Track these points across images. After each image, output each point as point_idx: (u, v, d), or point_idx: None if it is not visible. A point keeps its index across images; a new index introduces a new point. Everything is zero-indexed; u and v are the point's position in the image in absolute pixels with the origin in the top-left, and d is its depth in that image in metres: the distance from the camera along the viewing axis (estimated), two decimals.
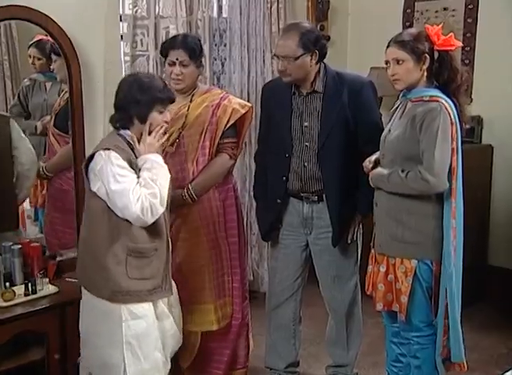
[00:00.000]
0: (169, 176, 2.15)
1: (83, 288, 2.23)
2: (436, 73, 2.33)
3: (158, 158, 2.13)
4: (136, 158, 2.13)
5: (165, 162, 2.44)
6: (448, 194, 2.29)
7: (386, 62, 2.35)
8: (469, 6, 3.82)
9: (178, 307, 2.35)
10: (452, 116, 2.27)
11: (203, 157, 2.53)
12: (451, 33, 2.34)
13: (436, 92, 2.31)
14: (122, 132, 2.17)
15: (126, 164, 2.07)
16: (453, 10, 3.89)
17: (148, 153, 2.12)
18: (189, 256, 2.56)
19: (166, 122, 2.17)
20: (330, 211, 2.54)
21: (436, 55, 2.30)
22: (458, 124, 2.29)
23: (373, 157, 2.45)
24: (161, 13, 3.07)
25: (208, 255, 2.58)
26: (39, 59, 2.82)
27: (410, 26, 4.04)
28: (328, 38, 4.10)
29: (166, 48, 2.50)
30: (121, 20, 2.98)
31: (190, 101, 2.54)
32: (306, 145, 2.52)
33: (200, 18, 3.20)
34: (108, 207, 2.07)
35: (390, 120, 2.48)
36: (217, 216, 2.59)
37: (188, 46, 2.46)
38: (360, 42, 4.30)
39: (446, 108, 2.26)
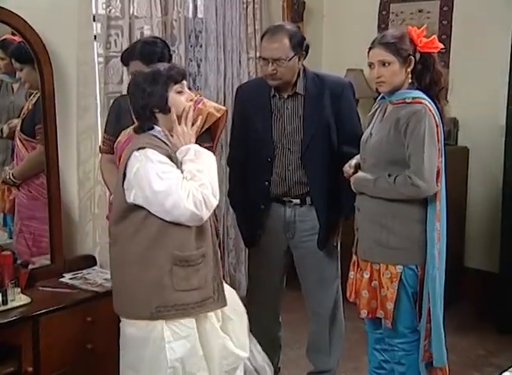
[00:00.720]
0: (216, 164, 1.98)
1: (122, 322, 2.03)
2: (419, 75, 2.31)
3: (198, 147, 1.95)
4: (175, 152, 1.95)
5: None
6: (433, 197, 2.28)
7: (370, 64, 2.30)
8: (444, 8, 3.85)
9: (238, 317, 2.13)
10: (436, 118, 2.25)
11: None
12: (434, 36, 2.34)
13: (419, 94, 2.29)
14: (150, 131, 1.99)
15: (166, 159, 1.88)
16: (428, 12, 3.91)
17: (186, 143, 1.94)
18: None
19: (191, 100, 2.00)
20: (318, 214, 2.52)
21: (418, 56, 2.28)
22: (441, 126, 2.28)
23: (353, 161, 2.42)
24: (135, 13, 2.99)
25: None
26: (2, 59, 2.73)
27: (386, 27, 4.04)
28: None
29: (124, 59, 2.44)
30: (94, 20, 2.89)
31: None
32: (289, 149, 2.49)
33: (176, 18, 3.13)
34: (149, 214, 1.89)
35: (370, 124, 2.44)
36: None
37: (145, 56, 2.37)
38: (336, 44, 4.29)
39: (430, 111, 2.24)
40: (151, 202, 1.87)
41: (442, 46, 2.35)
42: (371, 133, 2.39)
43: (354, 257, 2.43)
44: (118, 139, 2.47)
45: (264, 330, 2.66)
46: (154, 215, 1.89)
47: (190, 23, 3.26)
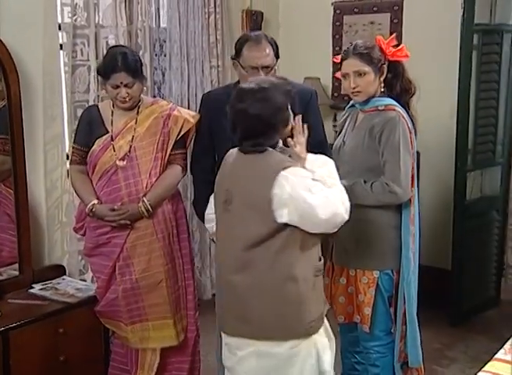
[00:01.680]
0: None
1: (256, 348, 1.93)
2: (389, 83, 2.39)
3: (316, 154, 1.98)
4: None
5: (117, 177, 2.46)
6: (407, 201, 2.33)
7: (345, 75, 2.35)
8: (394, 21, 4.05)
9: None
10: (408, 125, 2.32)
11: (155, 169, 2.49)
12: (402, 45, 2.43)
13: (391, 101, 2.35)
14: (270, 149, 1.93)
15: (308, 172, 1.89)
16: (380, 24, 4.10)
17: (306, 152, 1.96)
18: (146, 272, 2.51)
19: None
20: None
21: (387, 65, 2.36)
22: (414, 132, 2.36)
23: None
24: (101, 22, 3.01)
25: (166, 269, 2.54)
26: None
27: (340, 38, 4.22)
28: None
29: (107, 72, 2.41)
30: (60, 29, 2.89)
31: (137, 113, 2.51)
32: None
33: (140, 28, 3.17)
34: (295, 230, 1.87)
35: (342, 131, 2.51)
36: (171, 228, 2.56)
37: (130, 67, 2.40)
38: (292, 53, 4.40)
39: (403, 117, 2.31)
40: (308, 217, 1.85)
41: (409, 54, 2.42)
42: (343, 141, 2.44)
43: (329, 263, 2.47)
44: (92, 148, 2.47)
45: None
46: (298, 230, 1.88)
47: (154, 33, 3.30)
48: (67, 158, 2.92)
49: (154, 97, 3.27)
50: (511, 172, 3.91)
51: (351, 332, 2.52)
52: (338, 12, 4.24)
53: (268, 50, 2.40)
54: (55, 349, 2.54)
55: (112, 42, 3.08)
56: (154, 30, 3.29)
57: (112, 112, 2.50)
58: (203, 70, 3.59)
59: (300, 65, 4.24)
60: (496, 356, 2.06)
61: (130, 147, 2.47)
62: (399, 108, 2.34)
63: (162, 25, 3.41)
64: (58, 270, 2.94)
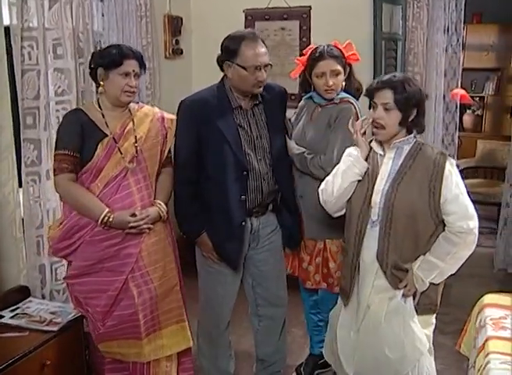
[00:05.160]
0: None
1: None
2: (345, 83, 2.70)
3: None
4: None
5: (127, 181, 2.36)
6: None
7: (322, 74, 2.60)
8: (303, 27, 4.38)
9: None
10: (359, 116, 2.65)
11: (158, 171, 2.48)
12: (354, 50, 2.74)
13: (345, 94, 2.70)
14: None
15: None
16: (290, 30, 4.40)
17: None
18: (163, 278, 2.46)
19: None
20: (293, 216, 2.66)
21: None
22: None
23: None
24: (46, 25, 2.87)
25: (176, 272, 2.53)
26: None
27: None
28: (182, 52, 4.27)
29: (118, 58, 2.29)
30: (7, 33, 2.72)
31: (130, 115, 2.43)
32: (259, 159, 2.49)
33: (82, 31, 3.08)
34: None
35: (298, 121, 2.78)
36: (170, 231, 2.55)
37: (139, 57, 2.36)
38: (206, 57, 4.52)
39: (355, 108, 2.67)
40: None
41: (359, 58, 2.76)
42: (304, 132, 2.73)
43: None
44: (96, 153, 2.32)
45: (223, 345, 2.77)
46: None
47: (96, 36, 3.22)
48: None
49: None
50: None
51: (312, 296, 2.96)
52: (249, 18, 4.46)
53: (265, 48, 2.39)
54: None
55: (58, 46, 2.93)
56: (95, 33, 3.20)
57: (103, 115, 2.38)
58: None
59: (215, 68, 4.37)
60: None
61: (136, 149, 2.38)
62: (352, 100, 2.70)
63: (99, 29, 3.33)
64: (23, 292, 2.76)
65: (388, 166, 2.24)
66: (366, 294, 2.26)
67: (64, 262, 2.79)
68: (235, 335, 2.90)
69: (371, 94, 2.21)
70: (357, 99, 2.75)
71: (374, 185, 2.25)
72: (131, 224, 2.31)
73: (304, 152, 2.67)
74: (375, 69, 3.89)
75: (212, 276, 2.60)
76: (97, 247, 2.33)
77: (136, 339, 2.42)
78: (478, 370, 2.37)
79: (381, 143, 2.28)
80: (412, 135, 2.24)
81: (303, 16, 4.36)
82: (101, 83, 2.36)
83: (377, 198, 2.23)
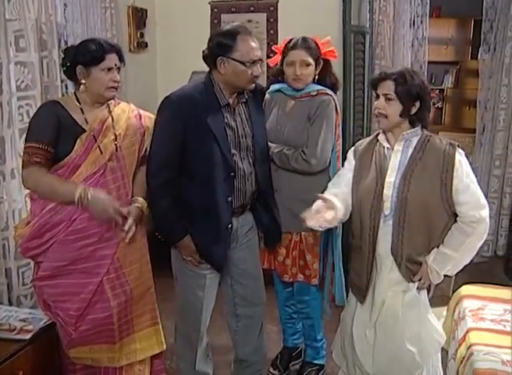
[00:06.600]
0: None
1: None
2: (321, 78, 2.71)
3: None
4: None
5: (105, 179, 2.28)
6: (324, 170, 2.68)
7: (291, 63, 2.61)
8: (270, 20, 4.34)
9: None
10: (337, 108, 2.70)
11: (135, 170, 2.39)
12: (332, 47, 2.73)
13: (321, 87, 2.70)
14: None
15: None
16: (257, 22, 4.35)
17: None
18: (139, 279, 2.39)
19: None
20: (275, 214, 2.60)
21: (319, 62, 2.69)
22: (340, 114, 2.75)
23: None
24: (7, 16, 2.71)
25: (151, 275, 2.45)
26: None
27: None
28: (146, 45, 4.16)
29: (99, 54, 2.21)
30: None
31: (109, 111, 2.34)
32: (243, 158, 2.42)
33: (45, 22, 2.93)
34: None
35: (269, 118, 2.73)
36: (145, 231, 2.46)
37: (119, 50, 2.28)
38: (171, 50, 4.43)
39: (333, 100, 2.68)
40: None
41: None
42: (279, 126, 2.70)
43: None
44: (74, 149, 2.21)
45: (204, 348, 2.68)
46: None
47: (60, 27, 3.08)
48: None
49: (63, 95, 3.07)
50: None
51: (286, 288, 2.98)
52: (215, 10, 4.39)
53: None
54: None
55: (20, 38, 2.78)
56: (59, 24, 3.05)
57: (82, 110, 2.27)
58: None
59: (180, 60, 4.27)
60: None
61: (116, 146, 2.29)
62: (330, 92, 2.70)
63: (62, 20, 3.18)
64: None
65: (397, 158, 2.23)
66: (382, 288, 2.25)
67: (31, 264, 2.65)
68: (209, 334, 2.82)
69: (374, 84, 2.24)
70: (335, 93, 2.75)
71: (384, 179, 2.22)
72: (110, 212, 2.19)
73: (283, 149, 2.66)
74: (344, 62, 3.87)
75: (192, 279, 2.50)
76: (71, 247, 2.22)
77: (110, 343, 2.34)
78: (461, 362, 2.38)
79: (387, 138, 2.28)
80: (419, 127, 2.24)
81: (270, 8, 4.32)
82: (83, 81, 2.25)
83: (388, 191, 2.20)
